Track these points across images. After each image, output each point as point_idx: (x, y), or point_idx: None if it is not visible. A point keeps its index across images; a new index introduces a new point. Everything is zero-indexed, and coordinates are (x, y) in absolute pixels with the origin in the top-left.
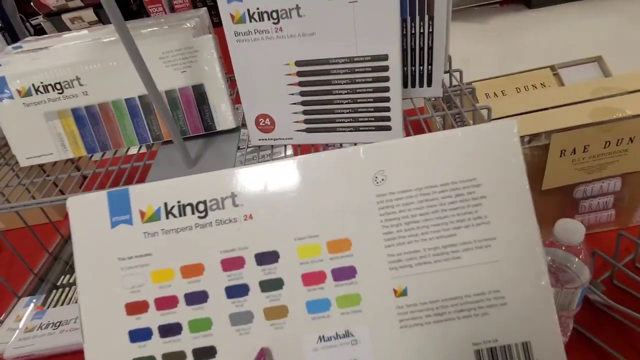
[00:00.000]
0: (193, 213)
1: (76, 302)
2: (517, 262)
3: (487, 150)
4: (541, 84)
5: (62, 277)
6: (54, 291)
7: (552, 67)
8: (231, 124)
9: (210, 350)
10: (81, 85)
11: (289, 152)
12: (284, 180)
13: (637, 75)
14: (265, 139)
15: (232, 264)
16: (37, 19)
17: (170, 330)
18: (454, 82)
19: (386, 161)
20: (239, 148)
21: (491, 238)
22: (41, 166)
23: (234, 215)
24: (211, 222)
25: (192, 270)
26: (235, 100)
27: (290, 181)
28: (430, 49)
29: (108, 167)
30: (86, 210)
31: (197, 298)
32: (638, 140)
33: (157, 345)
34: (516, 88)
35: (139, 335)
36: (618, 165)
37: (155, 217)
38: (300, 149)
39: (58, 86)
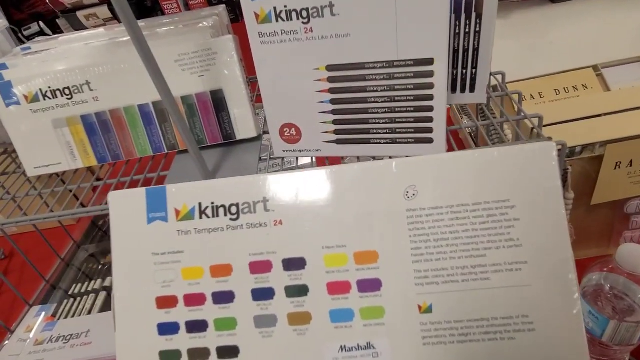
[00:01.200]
0: (225, 215)
1: (88, 314)
2: (549, 288)
3: (523, 172)
4: (583, 85)
5: (74, 285)
6: (66, 301)
7: (595, 67)
8: (252, 133)
9: (234, 350)
10: (91, 90)
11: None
12: (315, 189)
13: None
14: (290, 150)
15: (259, 267)
16: (30, 27)
17: (196, 326)
18: (493, 84)
19: (418, 176)
20: (260, 159)
21: (522, 262)
22: (58, 174)
23: (265, 220)
24: (242, 225)
25: (221, 271)
26: (256, 101)
27: (321, 190)
28: (476, 50)
29: (120, 178)
30: (125, 205)
31: (224, 298)
32: None
33: (184, 340)
34: (555, 90)
35: (167, 328)
36: None
37: (189, 216)
38: (329, 162)
39: (67, 91)
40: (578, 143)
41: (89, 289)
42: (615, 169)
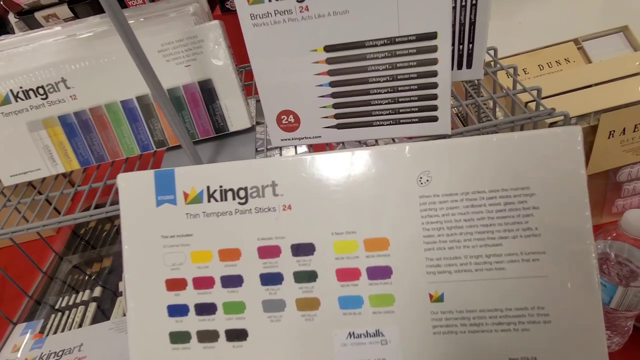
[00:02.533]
0: (234, 199)
1: (79, 327)
2: (567, 279)
3: (545, 158)
4: (565, 59)
5: (60, 298)
6: (53, 315)
7: (576, 41)
8: (246, 123)
9: (242, 333)
10: (68, 88)
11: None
12: (325, 173)
13: None
14: (289, 139)
15: (268, 252)
16: None
17: (205, 309)
18: (488, 61)
19: (432, 161)
20: (257, 150)
21: (540, 252)
22: (31, 182)
23: (273, 204)
24: (250, 209)
25: (230, 254)
26: (248, 92)
27: (331, 175)
28: (473, 24)
29: (106, 181)
30: (134, 188)
31: (232, 281)
32: None
33: (193, 322)
34: (539, 65)
35: (177, 310)
36: None
37: (197, 199)
38: (329, 148)
39: (41, 90)
40: (574, 114)
41: (77, 301)
42: (609, 137)
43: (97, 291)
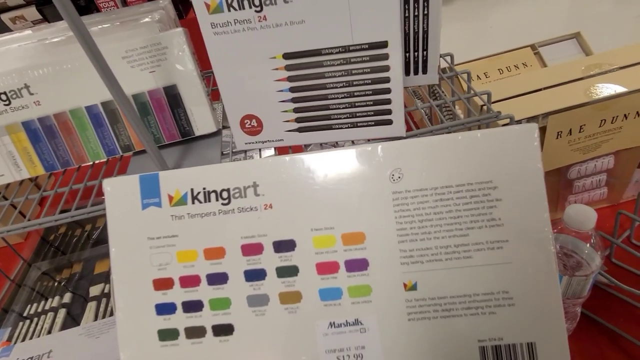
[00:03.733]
0: (217, 200)
1: (48, 333)
2: (529, 265)
3: (505, 154)
4: (523, 64)
5: (29, 305)
6: (21, 323)
7: (533, 46)
8: (211, 128)
9: (229, 328)
10: (31, 94)
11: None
12: (304, 173)
13: (624, 51)
14: (253, 142)
15: (251, 249)
16: None
17: (192, 306)
18: (443, 66)
19: (403, 159)
20: (222, 154)
21: (504, 240)
22: None
23: (255, 204)
24: (233, 210)
25: (214, 253)
26: (213, 97)
27: (310, 174)
28: (426, 32)
29: (72, 186)
30: (120, 192)
31: (218, 279)
32: (632, 116)
33: (181, 319)
34: (498, 69)
35: (165, 308)
36: (612, 143)
37: (182, 201)
38: (292, 150)
39: (4, 96)
40: (524, 116)
41: (46, 307)
42: (557, 138)
43: (67, 297)
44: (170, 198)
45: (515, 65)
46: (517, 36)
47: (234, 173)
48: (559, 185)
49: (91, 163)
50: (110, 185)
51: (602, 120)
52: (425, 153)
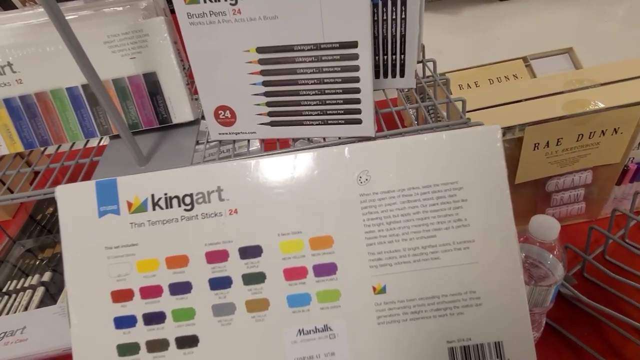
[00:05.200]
0: (179, 205)
1: (24, 310)
2: (494, 264)
3: (470, 154)
4: (513, 75)
5: (9, 282)
6: (0, 298)
7: (525, 59)
8: (189, 116)
9: (193, 339)
10: (14, 72)
11: (254, 147)
12: (269, 176)
13: (608, 67)
14: (226, 133)
15: (216, 256)
16: None
17: (154, 318)
18: (428, 73)
19: (370, 161)
20: (197, 142)
21: (470, 240)
22: None
23: (220, 209)
24: (197, 215)
25: (177, 261)
26: (195, 90)
27: (275, 178)
28: (403, 36)
29: (49, 165)
30: (74, 199)
31: (181, 288)
32: (610, 133)
33: (142, 332)
34: (489, 79)
35: (124, 322)
36: (590, 158)
37: (142, 208)
38: (265, 143)
39: None
40: (503, 125)
41: (26, 285)
42: (534, 149)
43: (47, 276)
44: (129, 204)
45: (505, 76)
46: (521, 48)
47: (197, 177)
48: (537, 197)
49: (70, 144)
50: (64, 193)
51: (579, 135)
52: (392, 155)
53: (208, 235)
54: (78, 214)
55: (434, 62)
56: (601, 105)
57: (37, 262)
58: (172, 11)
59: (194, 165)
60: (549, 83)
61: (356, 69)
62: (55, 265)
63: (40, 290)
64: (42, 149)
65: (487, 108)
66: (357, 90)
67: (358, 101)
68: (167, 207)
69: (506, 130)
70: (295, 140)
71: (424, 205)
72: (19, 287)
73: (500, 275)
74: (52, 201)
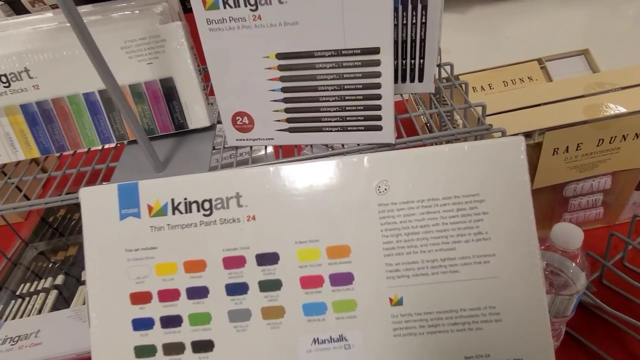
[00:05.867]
0: (198, 211)
1: (38, 313)
2: (516, 280)
3: (492, 166)
4: (528, 77)
5: (22, 285)
6: (13, 301)
7: (539, 60)
8: (205, 122)
9: (208, 344)
10: (31, 77)
11: (269, 150)
12: (288, 184)
13: (629, 70)
14: (243, 139)
15: (233, 262)
16: None
17: (171, 321)
18: (443, 75)
19: (390, 171)
20: (214, 148)
21: (490, 254)
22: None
23: (238, 215)
24: (215, 221)
25: (195, 266)
26: (210, 93)
27: (294, 185)
28: (423, 41)
29: (65, 170)
30: (97, 202)
31: (198, 293)
32: (631, 137)
33: (159, 335)
34: (503, 82)
35: (142, 324)
36: (610, 164)
37: (162, 212)
38: (282, 149)
39: (3, 79)
40: (519, 131)
41: (39, 288)
42: (553, 155)
43: (60, 279)
44: (150, 208)
45: (520, 79)
46: (532, 49)
47: (217, 183)
48: (555, 202)
49: (86, 149)
50: (87, 195)
51: (600, 140)
52: (411, 165)
53: (226, 241)
54: (100, 216)
55: (451, 66)
56: (623, 110)
57: (50, 265)
58: (186, 12)
59: (213, 172)
60: (568, 86)
61: (377, 75)
62: (68, 268)
63: (54, 293)
64: (57, 154)
65: (504, 112)
66: (378, 97)
67: (379, 107)
68: (186, 212)
69: (525, 135)
70: (312, 147)
71: (443, 217)
72: (32, 290)
73: (521, 291)
74: (64, 204)
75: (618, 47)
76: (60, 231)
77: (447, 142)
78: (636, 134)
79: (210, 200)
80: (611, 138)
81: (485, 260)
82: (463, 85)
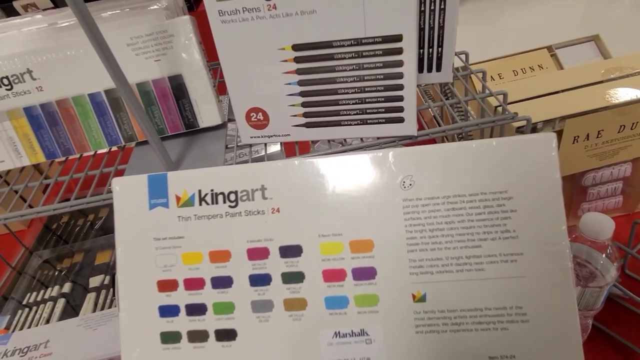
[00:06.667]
0: (224, 202)
1: (46, 323)
2: (544, 280)
3: (521, 163)
4: (539, 65)
5: (29, 294)
6: (20, 311)
7: (549, 48)
8: (216, 120)
9: (232, 333)
10: (34, 79)
11: (272, 150)
12: (312, 177)
13: None
14: (258, 137)
15: (257, 253)
16: None
17: (196, 309)
18: (457, 65)
19: (415, 166)
20: (227, 147)
21: (518, 253)
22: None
23: (263, 207)
24: (240, 212)
25: (220, 256)
26: (219, 90)
27: (318, 179)
28: (441, 28)
29: (73, 175)
30: (128, 191)
31: (222, 282)
32: None
33: (184, 322)
34: (513, 71)
35: (168, 311)
36: (630, 150)
37: (189, 202)
38: (285, 149)
39: (5, 81)
40: (540, 119)
41: (46, 296)
42: (573, 143)
43: (67, 287)
44: (178, 199)
45: (530, 67)
46: (529, 39)
47: (243, 175)
48: (572, 191)
49: (93, 152)
50: (119, 185)
51: (621, 126)
52: (437, 160)
53: (250, 233)
54: (131, 206)
55: (466, 54)
56: None
57: (56, 273)
58: (190, 9)
59: (239, 164)
60: (585, 72)
61: (400, 64)
62: (75, 276)
63: (61, 302)
64: (63, 158)
65: (521, 101)
66: (400, 87)
67: (401, 98)
68: (212, 203)
69: (545, 123)
70: (314, 142)
71: (469, 213)
72: (39, 299)
73: (549, 291)
74: (70, 211)
75: (620, 34)
76: (64, 238)
77: (466, 135)
78: None
79: (236, 192)
80: (633, 124)
81: (512, 259)
82: (480, 74)
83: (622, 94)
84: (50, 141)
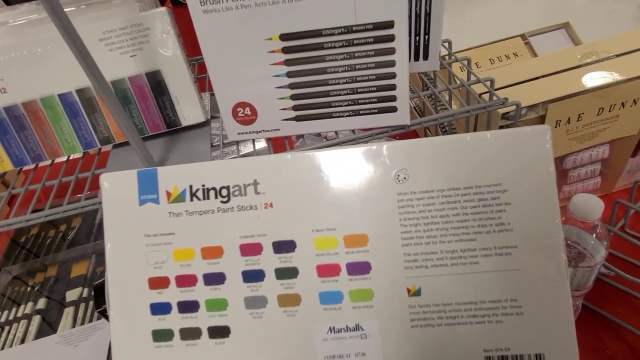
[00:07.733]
0: (216, 197)
1: (21, 343)
2: (538, 273)
3: (516, 156)
4: (514, 53)
5: (0, 313)
6: None
7: (523, 36)
8: (199, 117)
9: (225, 330)
10: None
11: (260, 146)
12: (306, 171)
13: (620, 38)
14: (246, 132)
15: (250, 249)
16: None
17: (188, 306)
18: (443, 53)
19: (409, 160)
20: (212, 145)
21: (512, 246)
22: None
23: (255, 202)
24: (233, 208)
25: (212, 252)
26: (201, 87)
27: (312, 173)
28: (428, 15)
29: (45, 183)
30: (117, 188)
31: (215, 279)
32: (629, 104)
33: (176, 319)
34: (489, 59)
35: (160, 308)
36: (608, 132)
37: (180, 198)
38: (273, 145)
39: None
40: (524, 104)
41: (19, 314)
42: (555, 127)
43: (42, 303)
44: (168, 194)
45: (506, 55)
46: (498, 29)
47: (235, 170)
48: None
49: (66, 158)
50: (108, 180)
51: (600, 109)
52: (432, 153)
53: (243, 228)
54: (120, 202)
55: (450, 42)
56: (621, 77)
57: (28, 289)
58: (162, 2)
59: (231, 159)
60: (562, 58)
61: (392, 51)
62: (49, 290)
63: (37, 319)
64: (33, 165)
65: (503, 88)
66: (393, 76)
67: (393, 87)
68: (204, 199)
69: (528, 109)
70: (298, 137)
71: (464, 207)
72: (11, 317)
73: (544, 284)
74: (44, 221)
75: (580, 24)
76: (34, 252)
77: (449, 125)
78: (634, 100)
79: (227, 187)
80: (611, 106)
81: (507, 252)
82: (465, 61)
83: (600, 77)
84: (18, 147)
